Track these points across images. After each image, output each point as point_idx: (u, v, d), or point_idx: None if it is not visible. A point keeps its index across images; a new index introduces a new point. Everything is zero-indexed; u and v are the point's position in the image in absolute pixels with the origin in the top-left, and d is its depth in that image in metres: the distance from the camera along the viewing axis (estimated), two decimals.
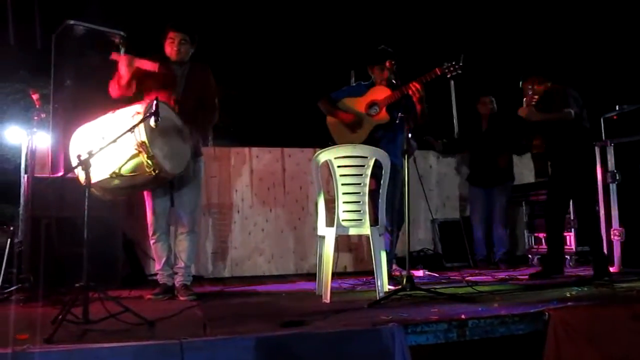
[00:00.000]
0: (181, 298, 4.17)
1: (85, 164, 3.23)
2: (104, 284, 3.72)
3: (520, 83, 5.10)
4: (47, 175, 4.78)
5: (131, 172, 3.68)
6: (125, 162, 3.63)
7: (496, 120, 6.27)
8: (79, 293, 3.09)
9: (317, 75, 7.44)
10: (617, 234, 5.40)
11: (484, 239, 6.30)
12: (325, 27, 8.02)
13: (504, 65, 8.03)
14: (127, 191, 3.94)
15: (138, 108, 3.73)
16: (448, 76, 4.49)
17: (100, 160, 3.52)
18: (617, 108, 5.58)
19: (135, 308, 3.20)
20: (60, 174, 4.68)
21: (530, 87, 4.97)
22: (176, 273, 4.32)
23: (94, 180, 3.65)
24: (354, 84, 5.24)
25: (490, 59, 8.23)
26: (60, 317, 2.92)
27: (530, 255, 6.40)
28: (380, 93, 4.74)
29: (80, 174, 3.23)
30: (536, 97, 4.87)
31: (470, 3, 8.49)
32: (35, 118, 4.51)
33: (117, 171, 3.64)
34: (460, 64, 4.43)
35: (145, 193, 4.28)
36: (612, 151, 5.50)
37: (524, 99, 4.95)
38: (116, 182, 3.72)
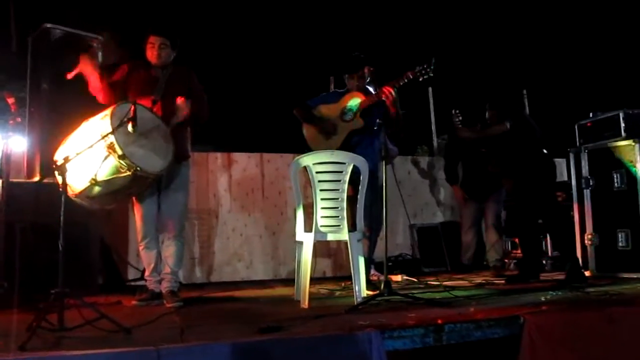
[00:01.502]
0: (167, 305, 4.12)
1: (61, 170, 3.20)
2: (81, 290, 3.68)
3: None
4: (23, 180, 4.71)
5: (108, 176, 3.65)
6: (100, 167, 3.60)
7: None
8: (54, 299, 3.06)
9: (296, 81, 7.45)
10: (590, 238, 5.49)
11: (472, 244, 6.27)
12: (304, 33, 8.04)
13: (482, 75, 8.11)
14: (112, 197, 3.88)
15: (106, 111, 3.72)
16: (420, 79, 4.53)
17: (79, 169, 3.50)
18: (590, 115, 5.68)
19: (112, 315, 3.17)
20: (37, 178, 4.64)
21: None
22: (163, 279, 4.28)
23: (76, 190, 3.64)
24: (331, 91, 5.26)
25: (469, 68, 8.31)
26: (34, 324, 2.89)
27: (507, 260, 6.45)
28: (354, 98, 4.77)
29: (59, 179, 3.20)
30: (457, 119, 5.51)
31: (448, 11, 8.57)
32: (11, 122, 4.46)
33: (94, 177, 3.61)
34: (432, 67, 4.48)
35: (133, 199, 4.25)
36: (586, 157, 5.59)
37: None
38: (97, 189, 3.69)
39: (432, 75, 4.49)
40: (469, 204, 6.30)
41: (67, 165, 3.21)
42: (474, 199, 6.26)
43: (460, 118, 5.45)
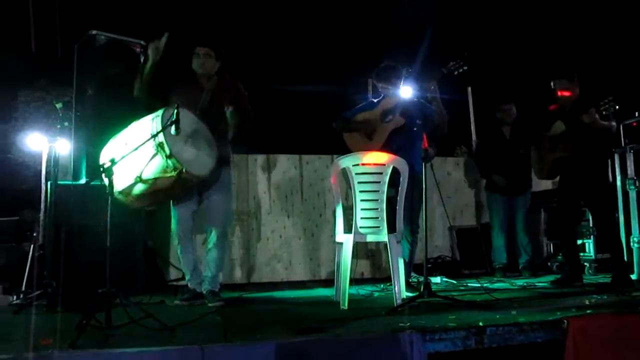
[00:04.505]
0: (209, 305, 4.21)
1: (107, 172, 3.29)
2: (125, 290, 3.78)
3: (554, 84, 5.16)
4: (70, 183, 4.84)
5: (153, 175, 3.74)
6: (147, 165, 3.70)
7: (519, 127, 6.19)
8: (101, 299, 3.14)
9: (335, 83, 7.47)
10: (636, 241, 5.35)
11: (504, 247, 6.22)
12: (343, 35, 8.05)
13: (522, 72, 8.00)
14: (153, 198, 3.98)
15: (158, 112, 3.83)
16: (455, 73, 4.54)
17: (125, 166, 3.59)
18: (637, 114, 5.54)
19: (156, 314, 3.25)
20: (82, 181, 4.76)
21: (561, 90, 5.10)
22: (203, 281, 4.37)
23: (120, 187, 3.74)
24: (368, 101, 5.26)
25: (507, 65, 8.19)
26: (84, 322, 2.97)
27: (549, 263, 6.34)
28: (392, 101, 4.78)
29: (105, 181, 3.30)
30: (609, 106, 4.80)
31: (485, 8, 8.47)
32: (58, 126, 4.59)
33: (139, 175, 3.71)
34: (465, 60, 4.49)
35: (170, 202, 4.34)
36: (632, 158, 5.46)
37: (593, 108, 4.86)
38: (141, 186, 3.79)
39: (466, 68, 4.50)
40: (496, 204, 6.27)
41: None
42: (501, 194, 6.22)
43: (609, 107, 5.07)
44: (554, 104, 5.29)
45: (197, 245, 5.33)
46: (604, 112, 4.83)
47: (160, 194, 3.96)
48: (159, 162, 3.71)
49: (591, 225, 5.82)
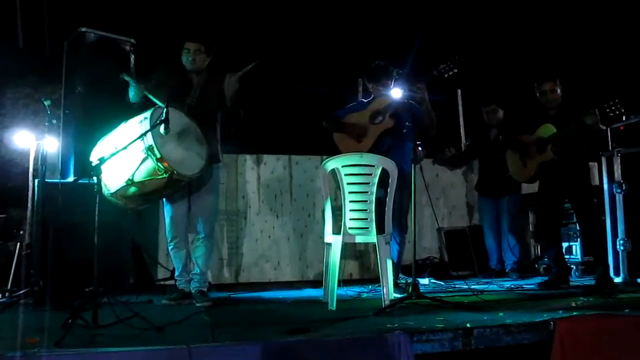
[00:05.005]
0: (197, 304, 4.20)
1: (95, 171, 3.28)
2: (113, 289, 3.76)
3: (545, 84, 5.13)
4: (58, 181, 4.81)
5: (145, 178, 3.74)
6: (137, 168, 3.70)
7: (506, 129, 6.23)
8: (88, 297, 3.13)
9: (325, 83, 7.47)
10: (622, 244, 5.40)
11: (494, 248, 6.26)
12: (333, 35, 8.05)
13: (510, 75, 8.04)
14: (146, 198, 4.00)
15: (146, 114, 3.81)
16: (445, 76, 4.54)
17: (116, 169, 3.59)
18: (624, 118, 5.58)
19: (143, 313, 3.24)
20: (71, 179, 4.73)
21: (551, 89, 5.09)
22: (192, 279, 4.36)
23: (112, 189, 3.74)
24: (358, 101, 5.26)
25: (496, 69, 8.23)
26: (70, 321, 2.95)
27: (536, 265, 6.39)
28: (382, 102, 4.79)
29: (94, 180, 3.30)
30: (615, 109, 4.73)
31: (475, 12, 8.51)
32: (46, 124, 4.56)
33: (131, 178, 3.71)
34: (456, 63, 4.50)
35: (163, 200, 4.34)
36: (619, 161, 5.50)
37: (596, 110, 4.77)
38: (132, 189, 3.79)
39: (456, 71, 4.50)
40: (485, 205, 6.34)
41: (104, 165, 3.29)
42: (489, 195, 6.28)
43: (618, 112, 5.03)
44: (538, 108, 5.29)
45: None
46: (610, 114, 4.76)
47: (153, 195, 3.98)
48: (149, 166, 3.72)
49: (577, 227, 5.86)
